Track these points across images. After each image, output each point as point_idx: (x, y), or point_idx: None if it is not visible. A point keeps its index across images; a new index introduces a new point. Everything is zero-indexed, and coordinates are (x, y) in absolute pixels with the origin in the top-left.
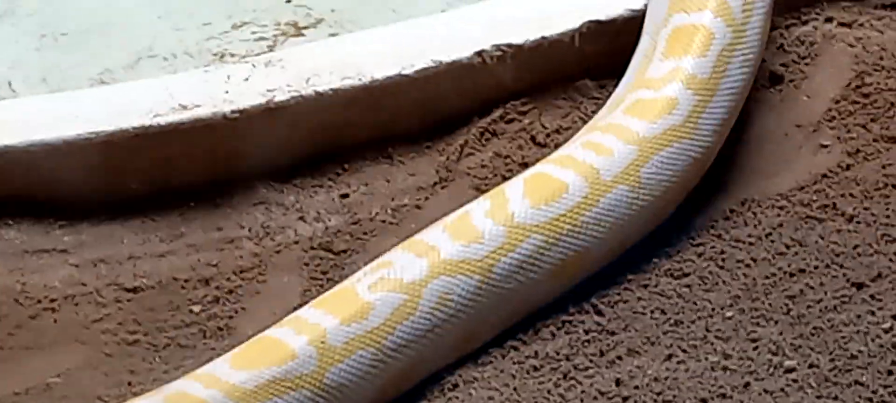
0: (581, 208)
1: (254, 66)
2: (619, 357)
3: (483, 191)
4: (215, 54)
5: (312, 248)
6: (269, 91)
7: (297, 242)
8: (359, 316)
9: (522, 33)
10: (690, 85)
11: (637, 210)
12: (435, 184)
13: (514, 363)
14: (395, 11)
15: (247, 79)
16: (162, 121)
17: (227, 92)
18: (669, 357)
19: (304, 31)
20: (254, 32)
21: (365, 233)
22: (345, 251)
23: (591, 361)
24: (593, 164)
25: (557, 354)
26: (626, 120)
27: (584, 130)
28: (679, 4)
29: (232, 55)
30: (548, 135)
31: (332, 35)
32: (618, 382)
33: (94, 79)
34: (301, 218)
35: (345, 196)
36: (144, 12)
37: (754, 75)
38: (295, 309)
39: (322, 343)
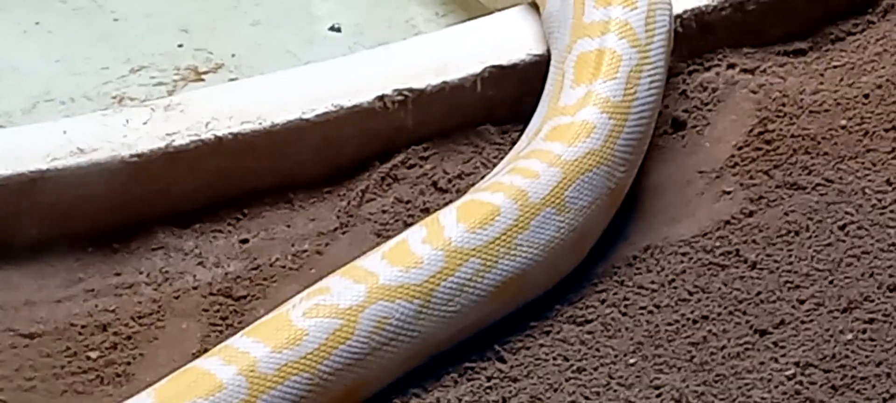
0: (513, 230)
1: (153, 110)
2: None
3: (384, 237)
4: (114, 98)
5: (212, 294)
6: (168, 135)
7: (196, 288)
8: (291, 343)
9: (424, 78)
10: (605, 108)
11: (565, 232)
12: (336, 229)
13: None
14: (296, 56)
15: (146, 123)
16: (59, 165)
17: (125, 136)
18: None
19: (203, 76)
20: (153, 77)
21: (265, 279)
22: (245, 297)
23: None
24: (521, 187)
25: (459, 401)
26: (547, 145)
27: (506, 161)
28: (581, 31)
29: (131, 99)
30: (449, 181)
31: (232, 80)
32: None
33: None
34: (200, 264)
35: (244, 241)
36: (41, 56)
37: (662, 95)
38: (194, 355)
39: (252, 371)
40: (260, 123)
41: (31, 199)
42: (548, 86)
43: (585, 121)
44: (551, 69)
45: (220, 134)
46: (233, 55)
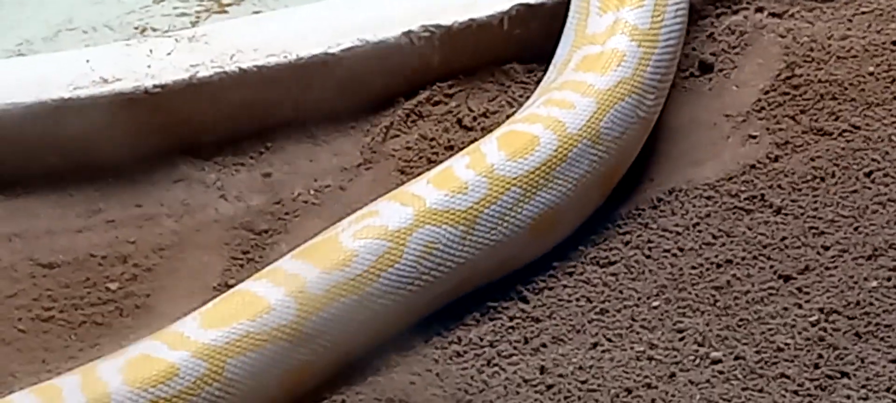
0: (553, 161)
1: (177, 40)
2: (544, 345)
3: (408, 174)
4: (136, 28)
5: (233, 228)
6: (192, 66)
7: (217, 221)
8: (341, 265)
9: (451, 15)
10: (634, 36)
11: (599, 164)
12: (359, 165)
13: (436, 348)
14: None
15: (170, 54)
16: (82, 93)
17: (149, 66)
18: (595, 345)
19: (227, 8)
20: (176, 8)
21: (287, 213)
22: (266, 231)
23: (515, 348)
24: (558, 118)
25: (481, 340)
26: (579, 75)
27: (538, 91)
28: None
29: (154, 30)
30: (474, 119)
31: (256, 13)
32: (542, 369)
33: (12, 51)
34: (222, 197)
35: (267, 175)
36: None
37: (687, 22)
38: (214, 288)
39: (301, 292)
40: (285, 56)
41: (53, 128)
42: (572, 14)
43: (615, 49)
44: None
45: (244, 66)
46: None
